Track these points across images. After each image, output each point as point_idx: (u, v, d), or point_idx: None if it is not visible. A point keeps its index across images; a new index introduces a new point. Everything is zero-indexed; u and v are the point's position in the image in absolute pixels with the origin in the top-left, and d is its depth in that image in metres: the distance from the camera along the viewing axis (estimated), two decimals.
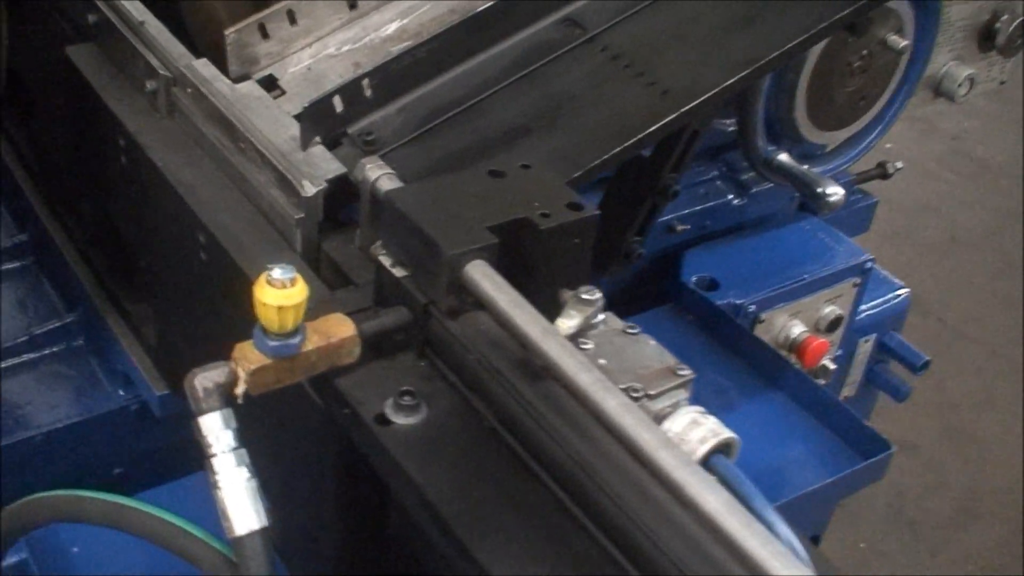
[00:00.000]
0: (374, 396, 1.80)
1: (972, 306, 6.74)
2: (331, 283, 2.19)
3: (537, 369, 1.75)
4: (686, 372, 1.75)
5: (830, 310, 3.88)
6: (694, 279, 3.63)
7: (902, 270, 4.47)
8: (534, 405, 1.72)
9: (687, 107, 2.23)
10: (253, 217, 2.27)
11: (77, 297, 3.07)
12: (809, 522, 3.34)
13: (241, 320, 2.22)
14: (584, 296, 1.79)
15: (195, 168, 2.36)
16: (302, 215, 2.17)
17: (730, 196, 3.82)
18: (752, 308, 3.62)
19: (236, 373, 1.73)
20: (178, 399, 2.73)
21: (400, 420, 1.77)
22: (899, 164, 4.40)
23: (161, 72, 2.44)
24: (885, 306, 4.24)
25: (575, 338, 1.76)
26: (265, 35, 2.46)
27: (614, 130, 2.21)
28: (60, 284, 3.19)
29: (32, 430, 2.85)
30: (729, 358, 3.41)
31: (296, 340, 1.73)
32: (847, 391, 4.39)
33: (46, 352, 3.04)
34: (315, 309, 2.03)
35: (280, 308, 1.68)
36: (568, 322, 1.77)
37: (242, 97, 2.39)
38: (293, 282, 1.68)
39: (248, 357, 1.73)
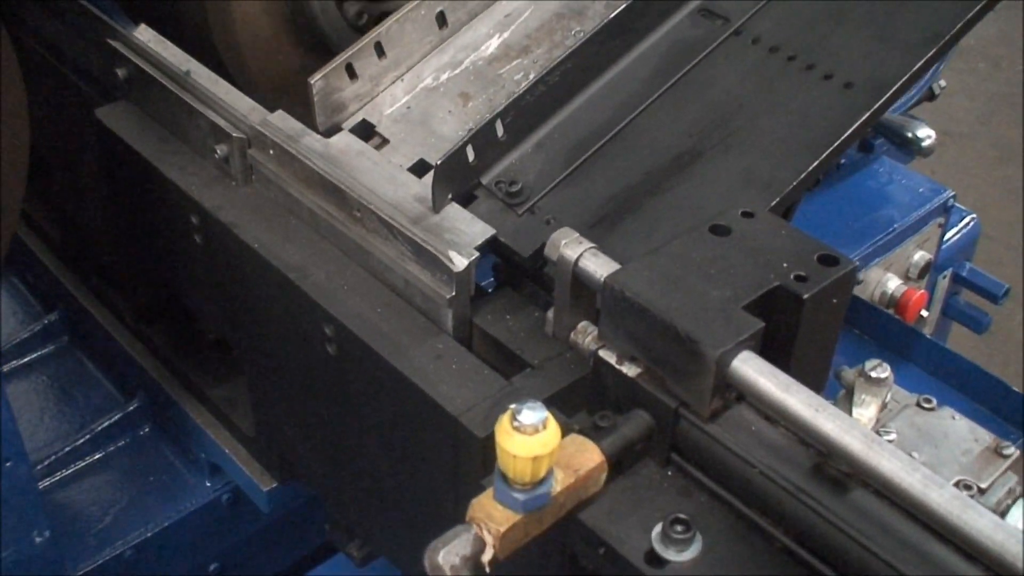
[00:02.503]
0: (634, 528, 1.48)
1: (976, 198, 6.49)
2: (488, 361, 1.85)
3: (837, 474, 1.43)
4: (1010, 449, 1.45)
5: (920, 256, 3.62)
6: None
7: None
8: (845, 518, 1.40)
9: (881, 100, 1.90)
10: (386, 298, 1.92)
11: (134, 380, 2.70)
12: None
13: (388, 419, 1.90)
14: (873, 375, 1.49)
15: (297, 245, 2.00)
16: (453, 293, 1.82)
17: None
18: None
19: (482, 538, 1.39)
20: (286, 490, 2.41)
21: (675, 556, 1.45)
22: (942, 83, 4.09)
23: (234, 134, 2.06)
24: (958, 236, 3.97)
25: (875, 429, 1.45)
26: (353, 75, 2.08)
27: (804, 141, 1.88)
28: (109, 366, 2.81)
29: (119, 545, 2.50)
30: (846, 333, 3.12)
31: (547, 488, 1.40)
32: (927, 329, 4.13)
33: (111, 448, 2.67)
34: (494, 406, 1.73)
35: (535, 459, 1.35)
36: (865, 412, 1.47)
37: (340, 153, 2.03)
38: (545, 424, 1.35)
39: (494, 517, 1.39)
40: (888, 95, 1.90)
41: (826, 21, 2.05)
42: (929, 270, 3.64)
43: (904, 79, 1.92)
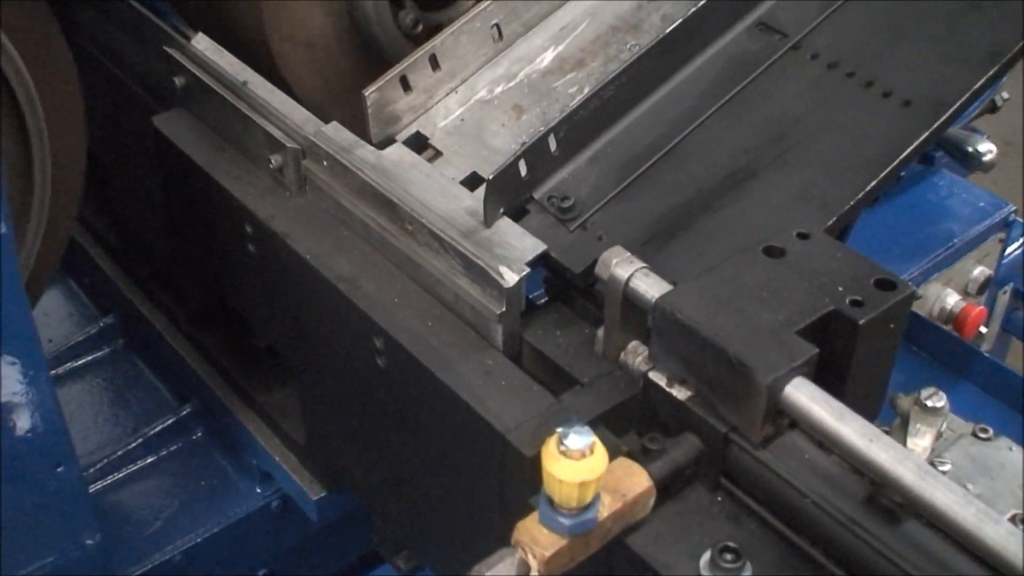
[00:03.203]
0: (681, 555, 1.46)
1: None
2: (537, 377, 1.84)
3: (890, 505, 1.40)
4: None
5: (979, 271, 3.57)
6: None
7: None
8: (897, 550, 1.38)
9: (940, 119, 1.86)
10: (436, 311, 1.91)
11: (188, 385, 2.71)
12: None
13: (435, 433, 1.89)
14: (929, 403, 1.46)
15: (349, 256, 2.00)
16: (503, 308, 1.81)
17: None
18: None
19: (527, 562, 1.38)
20: (335, 498, 2.41)
21: None
22: (1005, 95, 4.03)
23: (288, 145, 2.06)
24: (1018, 251, 3.91)
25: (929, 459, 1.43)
26: (407, 87, 2.08)
27: (862, 159, 1.85)
28: (163, 370, 2.82)
29: (169, 550, 2.51)
30: (904, 350, 3.07)
31: (593, 512, 1.39)
32: (985, 345, 4.07)
33: (163, 453, 2.68)
34: (543, 424, 1.71)
35: (581, 484, 1.33)
36: (920, 442, 1.44)
37: (393, 165, 2.02)
38: (592, 448, 1.33)
39: (539, 541, 1.38)
40: (948, 114, 1.87)
41: (886, 37, 2.02)
42: (988, 285, 3.59)
43: (964, 97, 1.89)
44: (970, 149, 3.17)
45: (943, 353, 2.99)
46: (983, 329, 3.55)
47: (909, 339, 3.05)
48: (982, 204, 3.55)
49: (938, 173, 3.65)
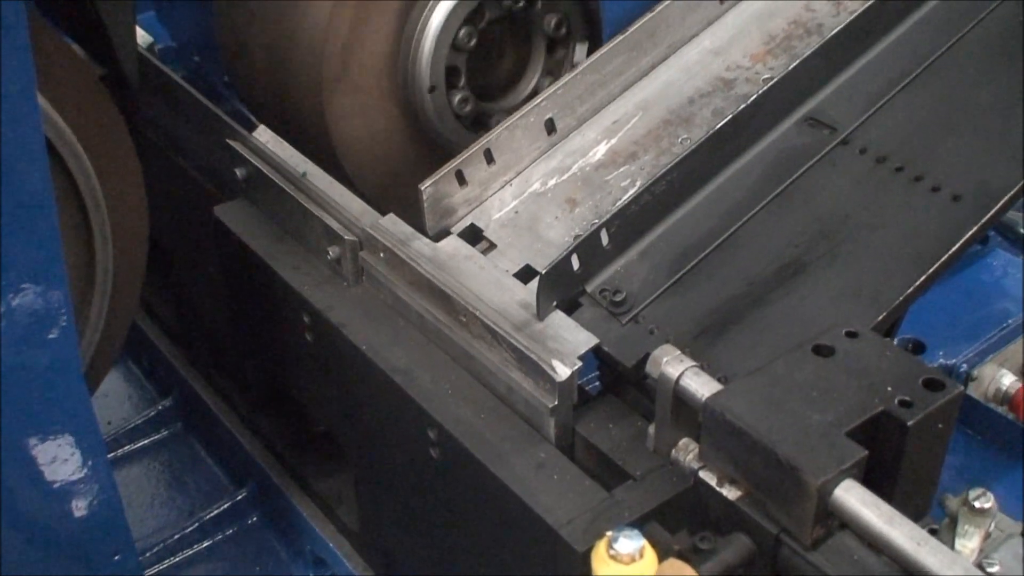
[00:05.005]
0: None
1: None
2: (589, 470, 1.85)
3: None
4: None
5: None
6: (896, 342, 3.26)
7: None
8: None
9: (989, 214, 1.88)
10: (489, 403, 1.93)
11: (244, 470, 2.74)
12: None
13: (488, 525, 1.90)
14: (977, 504, 1.46)
15: (404, 347, 2.03)
16: (556, 402, 1.83)
17: None
18: (963, 367, 3.26)
19: None
20: None
21: None
22: None
23: (346, 237, 2.11)
24: None
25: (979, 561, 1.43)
26: (462, 181, 2.12)
27: (911, 254, 1.86)
28: (220, 454, 2.86)
29: None
30: (958, 433, 3.05)
31: None
32: None
33: (219, 537, 2.71)
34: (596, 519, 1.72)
35: None
36: (968, 543, 1.44)
37: (448, 257, 2.06)
38: (642, 552, 1.35)
39: None
40: (996, 208, 1.89)
41: (935, 131, 2.04)
42: None
43: (1013, 191, 1.90)
44: (1023, 231, 3.16)
45: (998, 436, 2.96)
46: None
47: (964, 422, 3.03)
48: None
49: (993, 253, 3.62)
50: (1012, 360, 3.49)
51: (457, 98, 2.53)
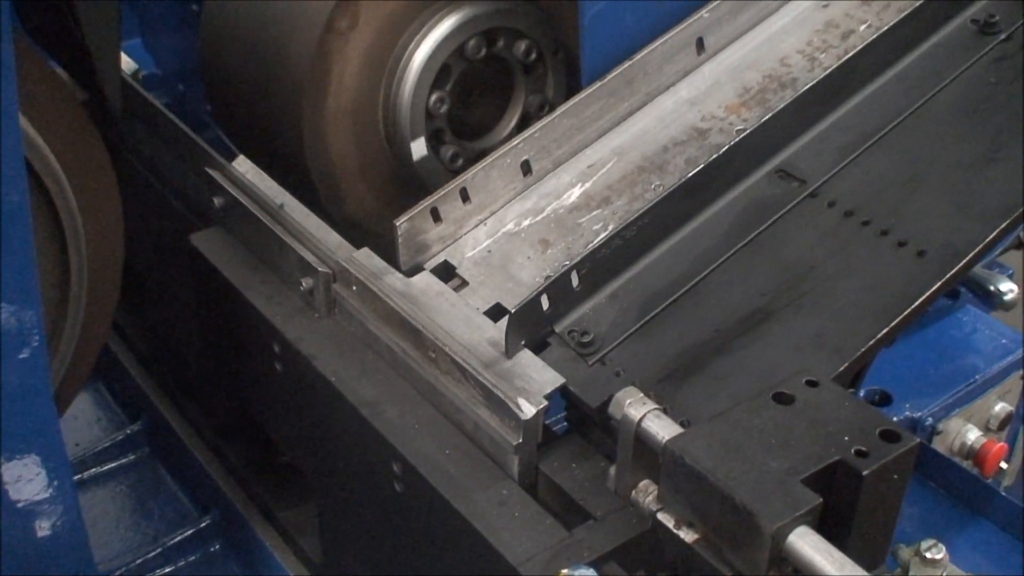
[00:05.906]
0: None
1: None
2: (551, 508, 1.87)
3: None
4: None
5: (1001, 407, 3.56)
6: (863, 393, 3.30)
7: None
8: None
9: (953, 270, 1.91)
10: (455, 439, 1.95)
11: (209, 497, 2.75)
12: None
13: (450, 560, 1.92)
14: (928, 555, 1.48)
15: (373, 380, 2.05)
16: (520, 440, 1.85)
17: None
18: (929, 421, 3.30)
19: None
20: None
21: None
22: None
23: (320, 269, 2.13)
24: None
25: None
26: (437, 218, 2.15)
27: (875, 307, 1.90)
28: (185, 480, 2.86)
29: None
30: (921, 485, 3.08)
31: None
32: (1007, 481, 4.06)
33: (181, 563, 2.70)
34: (554, 557, 1.74)
35: None
36: None
37: (420, 293, 2.08)
38: None
39: None
40: (960, 265, 1.92)
41: (903, 187, 2.08)
42: (1010, 421, 3.58)
43: (978, 249, 1.94)
44: (992, 288, 3.21)
45: (960, 490, 3.00)
46: (1004, 465, 3.54)
47: (927, 475, 3.06)
48: (1004, 340, 3.56)
49: (963, 309, 3.67)
50: (978, 415, 3.53)
51: (449, 154, 2.48)
